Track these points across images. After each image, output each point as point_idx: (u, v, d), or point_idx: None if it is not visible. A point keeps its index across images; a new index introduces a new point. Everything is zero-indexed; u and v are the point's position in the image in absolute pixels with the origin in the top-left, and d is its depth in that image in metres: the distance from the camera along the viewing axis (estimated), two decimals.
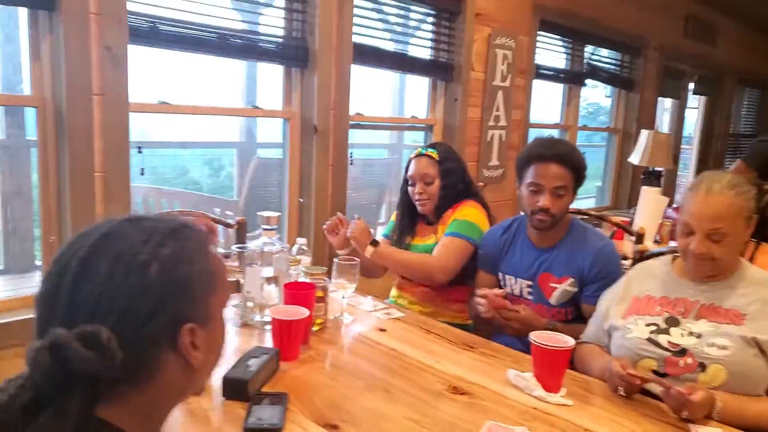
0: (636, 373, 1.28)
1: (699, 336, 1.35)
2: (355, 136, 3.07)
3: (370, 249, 1.93)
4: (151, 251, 0.66)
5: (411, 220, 2.16)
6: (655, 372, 1.37)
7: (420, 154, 2.09)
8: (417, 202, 2.09)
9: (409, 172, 2.10)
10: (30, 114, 2.17)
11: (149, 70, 2.59)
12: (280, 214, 1.66)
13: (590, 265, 1.74)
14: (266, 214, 1.62)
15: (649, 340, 1.40)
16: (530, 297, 1.83)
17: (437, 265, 1.93)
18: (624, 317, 1.48)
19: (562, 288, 1.77)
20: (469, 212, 2.02)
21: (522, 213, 1.89)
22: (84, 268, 0.64)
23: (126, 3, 2.09)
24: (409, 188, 2.11)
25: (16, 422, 0.58)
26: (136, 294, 0.64)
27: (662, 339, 1.39)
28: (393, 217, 2.28)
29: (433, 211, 2.08)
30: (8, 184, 2.21)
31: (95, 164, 2.09)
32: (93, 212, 2.09)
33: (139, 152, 2.27)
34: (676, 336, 1.38)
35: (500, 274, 1.90)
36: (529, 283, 1.82)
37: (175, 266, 0.67)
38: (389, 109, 3.77)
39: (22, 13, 2.05)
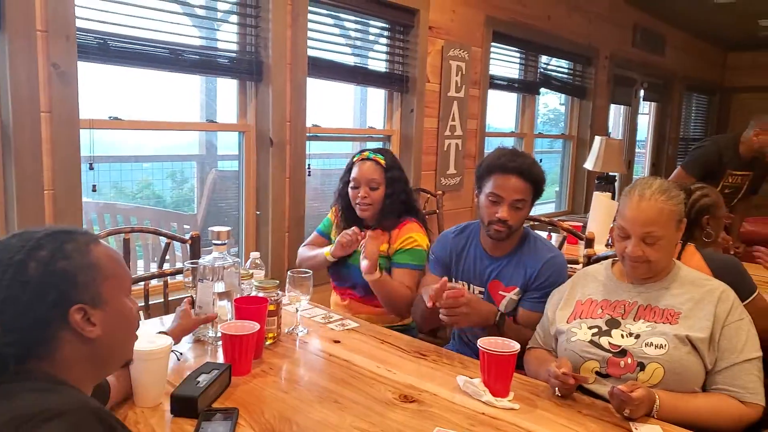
0: (569, 373, 1.33)
1: (637, 336, 1.41)
2: (313, 147, 3.10)
3: (377, 274, 1.89)
4: (27, 253, 0.83)
5: (349, 223, 2.12)
6: (598, 373, 1.43)
7: (367, 158, 2.07)
8: (358, 207, 2.07)
9: (353, 175, 2.07)
10: None
11: (103, 86, 2.57)
12: (230, 228, 1.63)
13: (537, 274, 1.76)
14: (216, 229, 1.60)
15: (592, 342, 1.46)
16: None
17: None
18: (568, 321, 1.54)
19: (509, 297, 1.80)
20: (414, 238, 2.04)
21: (476, 220, 1.91)
22: None
23: (75, 20, 2.08)
24: (351, 191, 2.08)
25: None
26: (15, 287, 0.81)
27: (604, 341, 1.45)
28: (330, 215, 2.25)
29: (373, 218, 2.09)
30: None
31: (44, 182, 2.06)
32: None
33: (90, 169, 2.25)
34: (617, 337, 1.44)
35: (453, 280, 1.89)
36: (481, 289, 1.84)
37: (53, 262, 0.83)
38: (351, 120, 3.81)
39: None
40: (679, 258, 1.87)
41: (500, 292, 1.81)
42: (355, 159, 2.11)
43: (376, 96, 3.68)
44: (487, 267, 1.84)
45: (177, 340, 1.51)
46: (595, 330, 1.48)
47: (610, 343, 1.44)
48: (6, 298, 0.80)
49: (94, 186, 2.26)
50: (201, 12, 2.63)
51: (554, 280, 1.74)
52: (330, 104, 3.50)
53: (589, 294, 1.57)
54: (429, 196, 3.62)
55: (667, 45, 6.53)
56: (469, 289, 1.86)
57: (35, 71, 2.00)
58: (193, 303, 1.60)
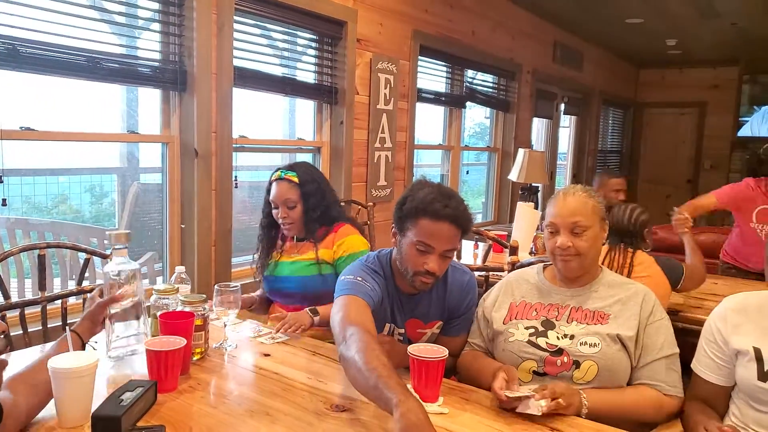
0: (503, 394, 1.32)
1: (572, 337, 1.50)
2: (242, 158, 3.05)
3: (316, 320, 1.88)
4: None
5: (272, 239, 2.16)
6: (535, 372, 1.51)
7: (280, 178, 2.07)
8: (283, 227, 2.09)
9: (271, 197, 2.08)
10: None
11: (13, 95, 2.43)
12: (129, 231, 1.55)
13: (458, 301, 1.71)
14: (114, 232, 1.52)
15: (529, 342, 1.53)
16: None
17: None
18: (505, 323, 1.60)
19: (430, 332, 1.73)
20: (352, 243, 2.05)
21: (381, 252, 1.74)
22: None
23: None
24: (273, 211, 2.09)
25: None
26: None
27: (541, 341, 1.52)
28: None
29: (299, 233, 2.10)
30: None
31: None
32: None
33: (0, 182, 2.12)
34: (553, 338, 1.52)
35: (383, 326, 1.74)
36: (401, 330, 1.73)
37: None
38: (280, 131, 3.78)
39: None
40: (632, 262, 2.05)
41: (419, 330, 1.73)
42: (271, 179, 2.11)
43: (306, 107, 3.67)
44: (403, 306, 1.71)
45: (89, 333, 1.42)
46: (532, 330, 1.55)
47: (547, 343, 1.51)
48: None
49: (3, 200, 2.13)
50: (121, 19, 2.54)
51: (473, 300, 1.73)
52: (258, 115, 3.46)
53: (523, 296, 1.64)
54: (360, 207, 3.64)
55: (585, 61, 6.90)
56: (391, 332, 1.74)
57: None
58: (102, 293, 1.49)
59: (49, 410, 1.22)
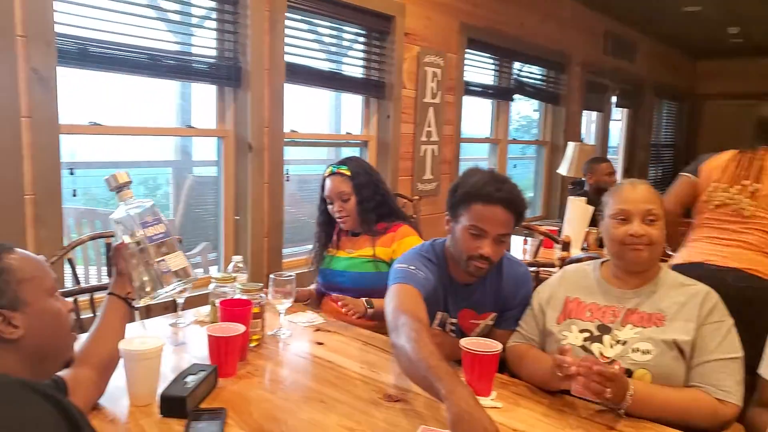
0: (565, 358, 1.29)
1: (624, 343, 1.42)
2: (291, 152, 3.12)
3: (369, 312, 1.93)
4: None
5: (328, 234, 2.21)
6: None
7: (332, 173, 2.12)
8: (339, 220, 2.13)
9: (325, 192, 2.13)
10: None
11: (81, 92, 2.56)
12: (127, 170, 1.37)
13: (514, 293, 1.69)
14: (112, 173, 1.35)
15: (583, 347, 1.46)
16: (452, 334, 1.73)
17: None
18: (558, 322, 1.53)
19: (483, 324, 1.72)
20: (410, 244, 2.02)
21: (437, 240, 1.74)
22: None
23: (54, 26, 2.08)
24: (329, 207, 2.14)
25: None
26: None
27: (595, 348, 1.45)
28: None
29: (356, 226, 2.14)
30: None
31: (25, 186, 2.05)
32: (23, 234, 2.06)
33: (71, 174, 2.24)
34: (606, 346, 1.44)
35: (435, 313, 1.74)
36: (453, 321, 1.72)
37: None
38: (326, 125, 3.84)
39: None
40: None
41: (472, 321, 1.72)
42: (324, 175, 2.16)
43: (351, 101, 3.72)
44: (457, 295, 1.70)
45: (119, 286, 1.35)
46: (587, 335, 1.48)
47: (601, 352, 1.44)
48: None
49: (74, 191, 2.25)
50: (180, 17, 2.63)
51: (528, 292, 1.70)
52: (305, 109, 3.52)
53: (577, 294, 1.56)
54: (406, 201, 3.67)
55: (638, 52, 6.71)
56: (443, 322, 1.74)
57: (15, 77, 1.99)
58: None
59: (122, 388, 1.30)
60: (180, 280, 1.34)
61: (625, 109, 7.01)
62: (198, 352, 1.59)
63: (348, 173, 2.10)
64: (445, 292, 1.70)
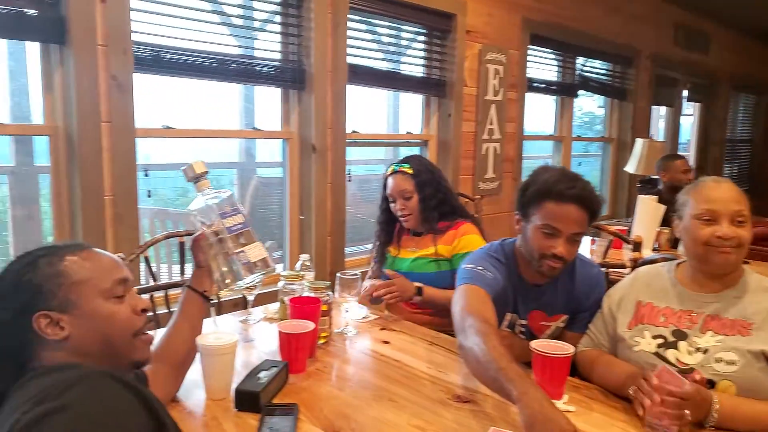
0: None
1: (705, 351, 1.34)
2: (351, 153, 3.15)
3: (416, 299, 1.93)
4: (8, 268, 0.96)
5: (388, 233, 2.21)
6: None
7: (395, 171, 2.12)
8: (401, 219, 2.13)
9: (388, 190, 2.13)
10: (38, 142, 2.26)
11: (153, 96, 2.67)
12: (203, 159, 1.36)
13: (587, 295, 1.63)
14: (190, 162, 1.33)
15: (657, 354, 1.39)
16: (522, 336, 1.70)
17: None
18: (630, 327, 1.46)
19: (554, 326, 1.68)
20: (472, 242, 2.03)
21: (507, 240, 1.71)
22: None
23: (131, 34, 2.17)
24: (391, 205, 2.14)
25: None
26: None
27: (670, 355, 1.37)
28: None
29: (418, 224, 2.13)
30: (19, 208, 2.30)
31: (105, 188, 2.16)
32: (103, 234, 2.16)
33: (146, 175, 2.34)
34: (684, 352, 1.36)
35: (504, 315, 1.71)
36: (523, 322, 1.69)
37: (20, 276, 0.94)
38: (384, 125, 3.85)
39: (31, 48, 2.14)
40: None
41: (542, 323, 1.68)
42: (386, 174, 2.17)
43: (409, 101, 3.71)
44: (527, 296, 1.67)
45: (198, 280, 1.35)
46: (661, 341, 1.40)
47: (677, 359, 1.36)
48: None
49: (149, 192, 2.35)
50: (246, 22, 2.70)
51: (601, 293, 1.63)
52: (365, 110, 3.54)
53: (650, 298, 1.48)
54: (467, 200, 3.63)
55: (711, 43, 6.39)
56: (512, 323, 1.70)
57: (96, 83, 2.10)
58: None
59: (196, 382, 1.34)
60: (260, 271, 1.33)
61: (697, 104, 6.69)
62: (266, 347, 1.63)
63: (410, 171, 2.10)
64: (515, 293, 1.67)
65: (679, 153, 5.30)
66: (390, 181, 2.13)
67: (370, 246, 2.29)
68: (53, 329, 0.92)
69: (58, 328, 0.92)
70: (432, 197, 2.09)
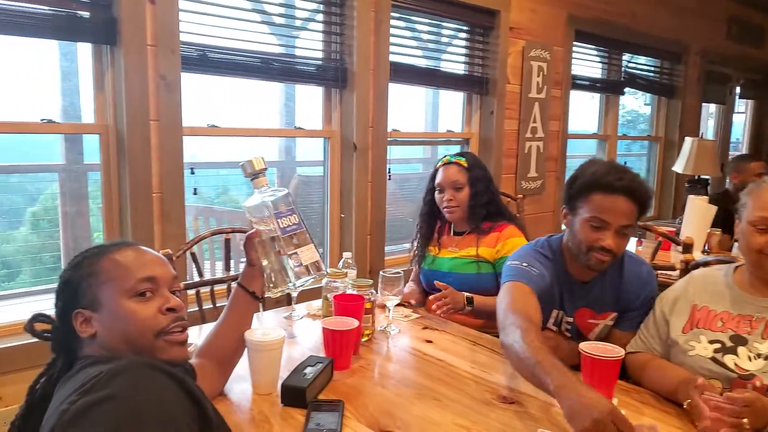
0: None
1: (767, 358, 1.30)
2: (390, 151, 3.14)
3: (467, 309, 1.91)
4: (65, 268, 1.03)
5: (430, 227, 2.17)
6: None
7: (449, 162, 2.11)
8: (445, 210, 2.09)
9: (437, 180, 2.11)
10: (88, 140, 2.32)
11: (199, 96, 2.72)
12: (263, 156, 1.32)
13: (637, 293, 1.60)
14: (249, 158, 1.29)
15: (714, 359, 1.35)
16: (568, 334, 1.68)
17: None
18: (684, 332, 1.42)
19: (603, 324, 1.64)
20: (516, 245, 1.95)
21: (554, 236, 1.68)
22: None
23: (179, 34, 2.22)
24: (437, 196, 2.11)
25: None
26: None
27: (728, 360, 1.33)
28: None
29: (461, 220, 2.10)
30: (69, 205, 2.37)
31: (153, 185, 2.21)
32: (151, 230, 2.21)
33: (192, 173, 2.39)
34: (743, 357, 1.32)
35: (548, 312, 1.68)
36: (569, 320, 1.66)
37: (65, 275, 1.01)
38: (423, 123, 3.84)
39: (83, 48, 2.20)
40: None
41: (590, 321, 1.64)
42: (438, 165, 2.15)
43: (449, 98, 3.68)
44: (574, 293, 1.64)
45: (249, 278, 1.33)
46: (718, 346, 1.35)
47: (736, 363, 1.32)
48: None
49: (195, 189, 2.40)
50: (288, 21, 2.72)
51: (651, 292, 1.60)
52: (404, 108, 3.53)
53: (706, 302, 1.43)
54: (509, 200, 3.57)
55: (766, 36, 6.13)
56: (559, 320, 1.67)
57: (146, 83, 2.15)
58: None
59: (243, 376, 1.35)
60: (312, 275, 1.29)
61: (750, 101, 6.43)
62: (309, 343, 1.65)
63: (465, 164, 2.09)
64: (561, 290, 1.64)
65: (755, 154, 5.09)
66: (442, 171, 2.11)
67: (408, 245, 2.27)
68: (84, 326, 0.98)
69: (88, 326, 0.97)
70: (482, 194, 2.07)
